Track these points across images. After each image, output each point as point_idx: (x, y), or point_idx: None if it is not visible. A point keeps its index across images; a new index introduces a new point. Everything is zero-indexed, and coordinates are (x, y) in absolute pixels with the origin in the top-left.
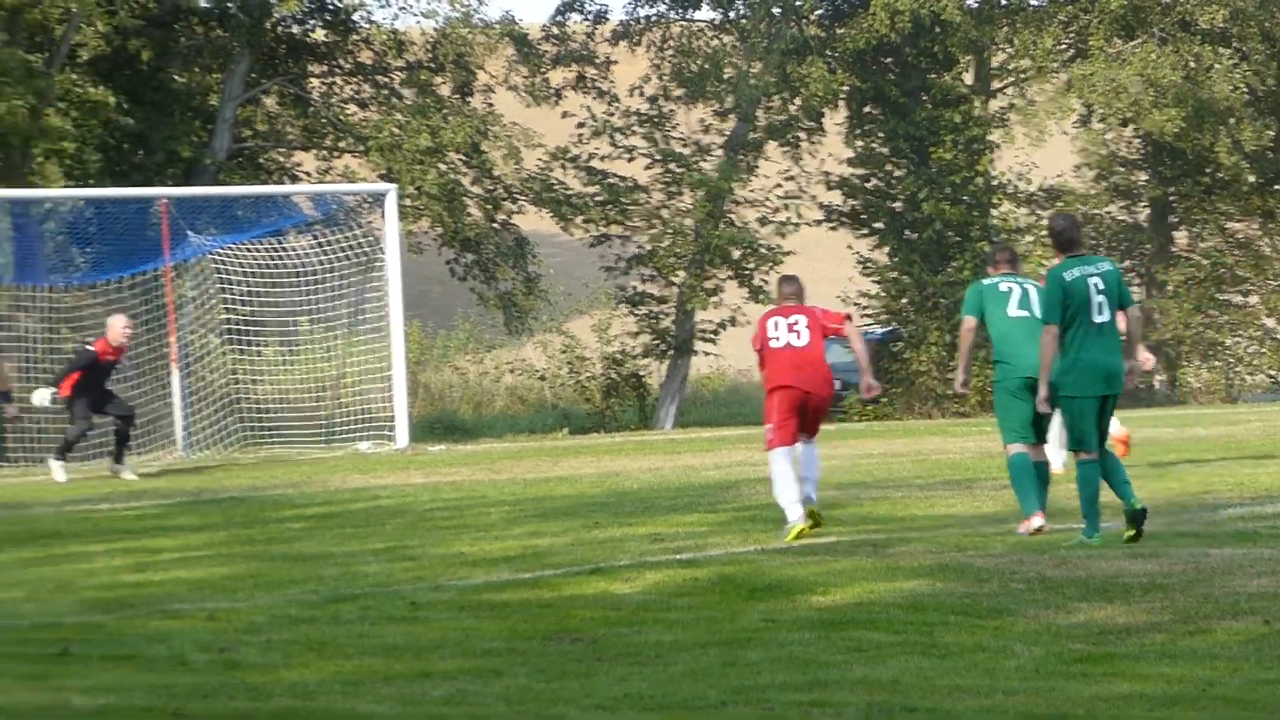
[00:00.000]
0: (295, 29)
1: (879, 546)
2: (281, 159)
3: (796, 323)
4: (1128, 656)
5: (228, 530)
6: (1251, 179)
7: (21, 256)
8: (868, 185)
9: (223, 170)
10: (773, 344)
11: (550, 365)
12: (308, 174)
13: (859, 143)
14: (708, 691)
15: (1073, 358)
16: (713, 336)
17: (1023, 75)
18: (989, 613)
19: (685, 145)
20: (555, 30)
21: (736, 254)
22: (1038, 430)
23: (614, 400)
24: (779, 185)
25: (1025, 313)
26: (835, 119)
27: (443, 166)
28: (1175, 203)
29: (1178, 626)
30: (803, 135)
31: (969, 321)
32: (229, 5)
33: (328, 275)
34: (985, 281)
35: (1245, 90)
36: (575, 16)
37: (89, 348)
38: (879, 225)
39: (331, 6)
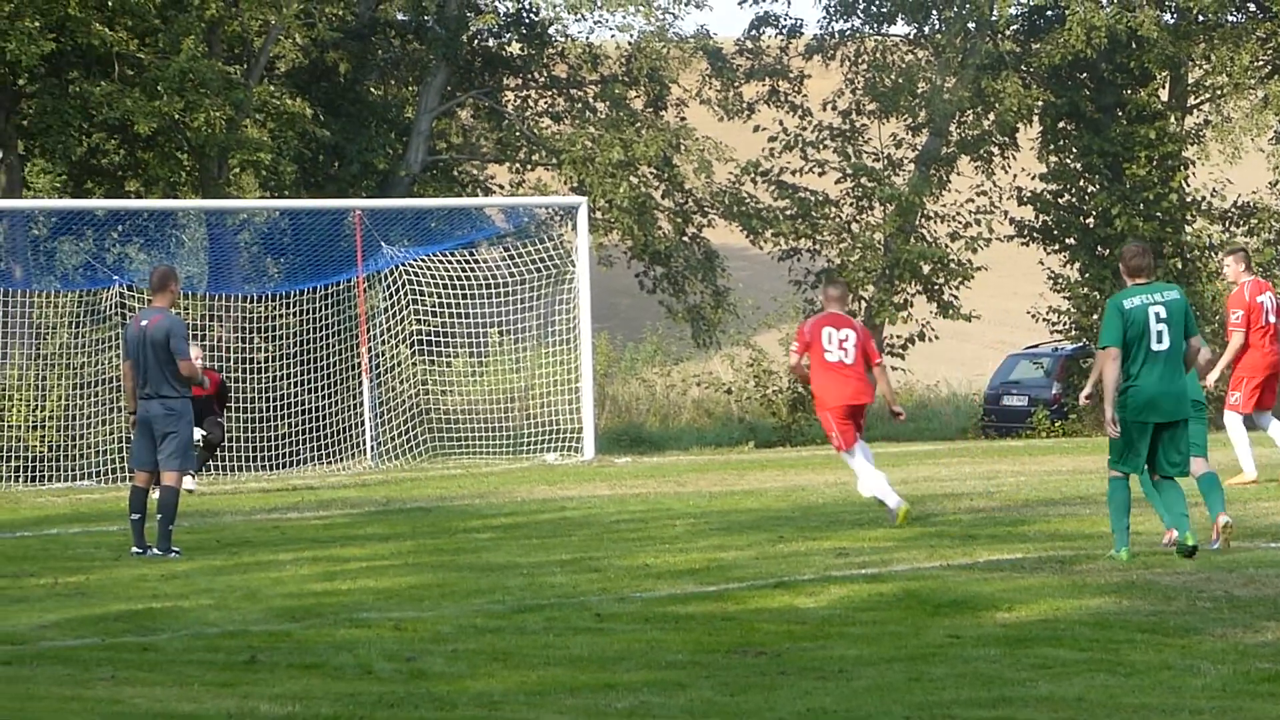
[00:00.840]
0: (491, 42)
1: (1065, 563)
2: (475, 171)
3: (846, 339)
4: None
5: (415, 540)
6: None
7: (216, 266)
8: (1060, 201)
9: (417, 182)
10: (827, 356)
11: (737, 379)
12: (500, 186)
13: (1052, 158)
14: (891, 707)
15: (1128, 384)
16: (901, 351)
17: (1219, 91)
18: (1176, 631)
19: (877, 159)
20: (749, 44)
21: (926, 269)
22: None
23: (800, 414)
24: (971, 200)
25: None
26: (1029, 134)
27: (634, 180)
28: None
29: None
30: (996, 150)
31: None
32: (426, 19)
33: (518, 287)
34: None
35: None
36: (769, 31)
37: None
38: (1071, 241)
39: (528, 20)
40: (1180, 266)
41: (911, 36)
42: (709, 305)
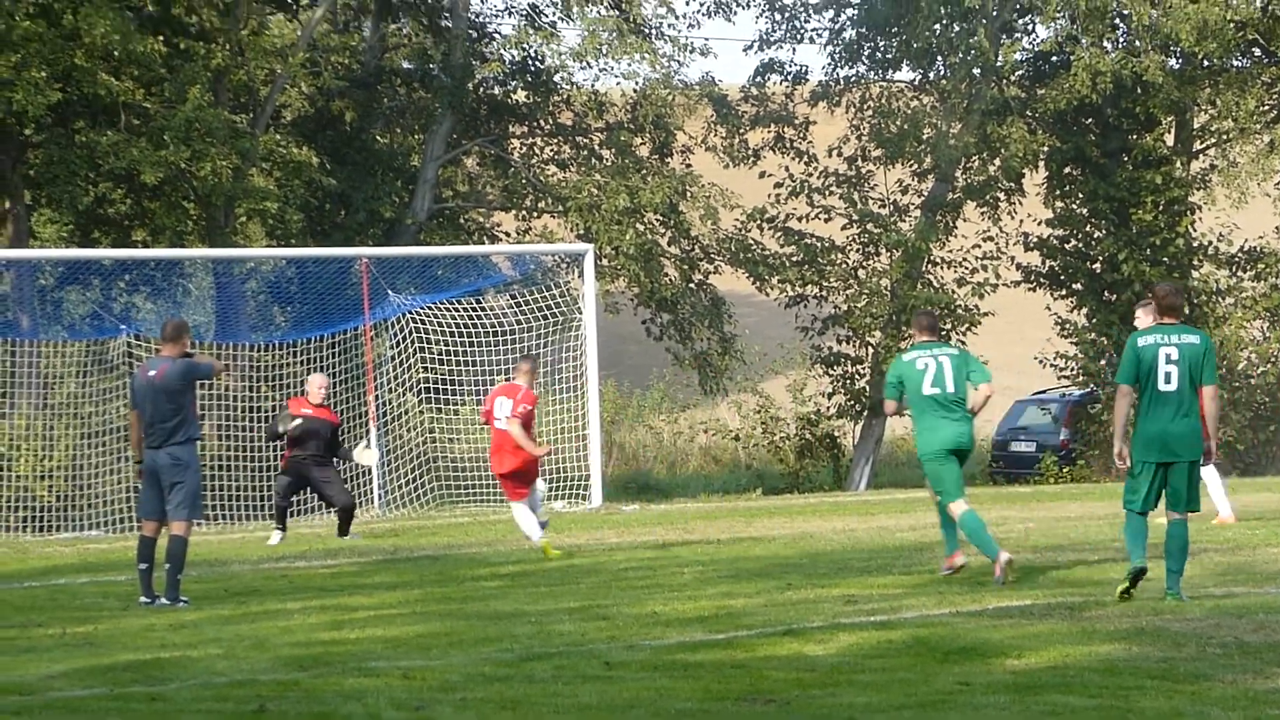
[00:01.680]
0: (497, 90)
1: (1075, 610)
2: (481, 219)
3: (503, 407)
4: None
5: (423, 588)
6: None
7: (223, 315)
8: (1067, 246)
9: (423, 230)
10: (496, 424)
11: (744, 425)
12: (507, 234)
13: (1058, 203)
14: None
15: (1137, 423)
16: None
17: (1225, 136)
18: (1186, 678)
19: (883, 205)
20: (754, 91)
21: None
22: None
23: (808, 461)
24: (977, 245)
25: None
26: (1035, 179)
27: (640, 227)
28: None
29: None
30: (1002, 196)
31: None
32: (432, 67)
33: (525, 334)
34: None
35: None
36: (774, 77)
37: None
38: (1078, 286)
39: (533, 68)
40: (1187, 312)
41: (916, 82)
42: (716, 352)
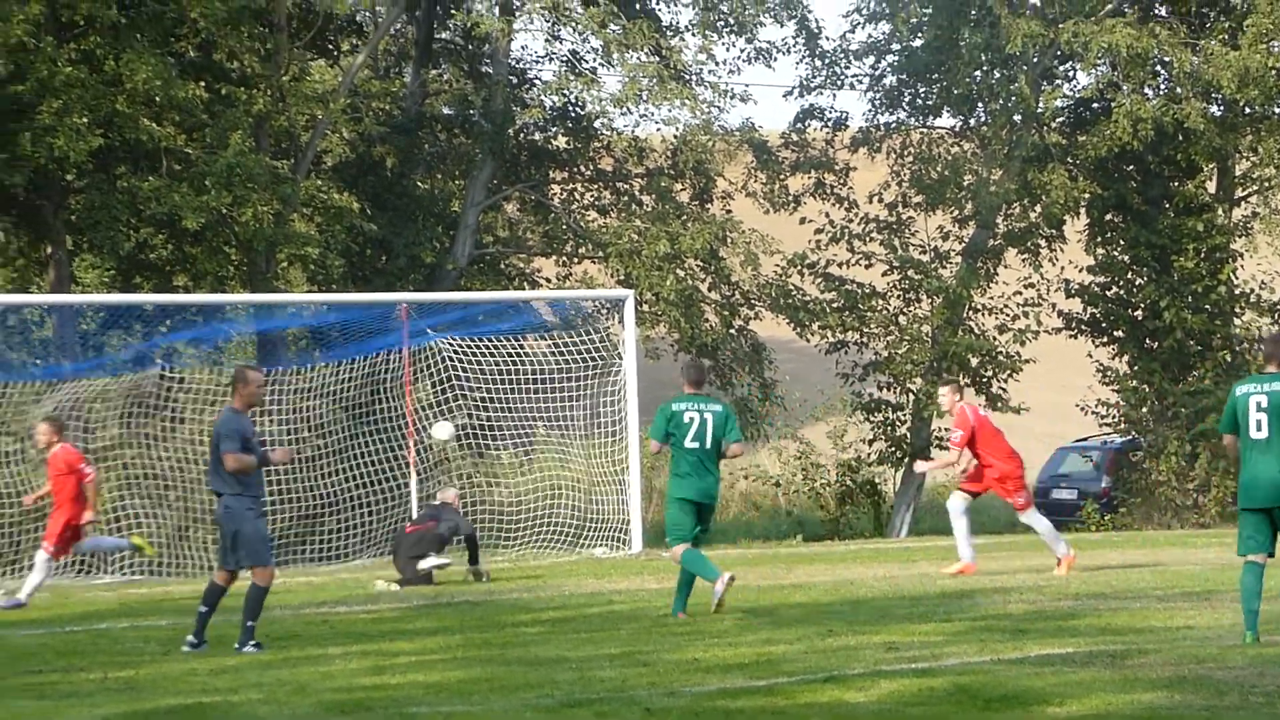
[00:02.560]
0: (538, 136)
1: (1116, 658)
2: (522, 264)
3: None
4: None
5: (464, 634)
6: None
7: (264, 359)
8: (1108, 293)
9: (464, 275)
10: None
11: (785, 471)
12: (547, 279)
13: (1100, 250)
14: None
15: (1240, 471)
16: (949, 444)
17: (1267, 184)
18: None
19: (924, 252)
20: (794, 137)
21: (974, 361)
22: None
23: (848, 507)
24: (1018, 292)
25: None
26: (1076, 226)
27: (681, 272)
28: None
29: None
30: (1043, 242)
31: None
32: (472, 113)
33: (565, 380)
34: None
35: None
36: (815, 123)
37: None
38: (1119, 333)
39: (574, 114)
40: (1229, 359)
41: (957, 129)
42: (756, 398)
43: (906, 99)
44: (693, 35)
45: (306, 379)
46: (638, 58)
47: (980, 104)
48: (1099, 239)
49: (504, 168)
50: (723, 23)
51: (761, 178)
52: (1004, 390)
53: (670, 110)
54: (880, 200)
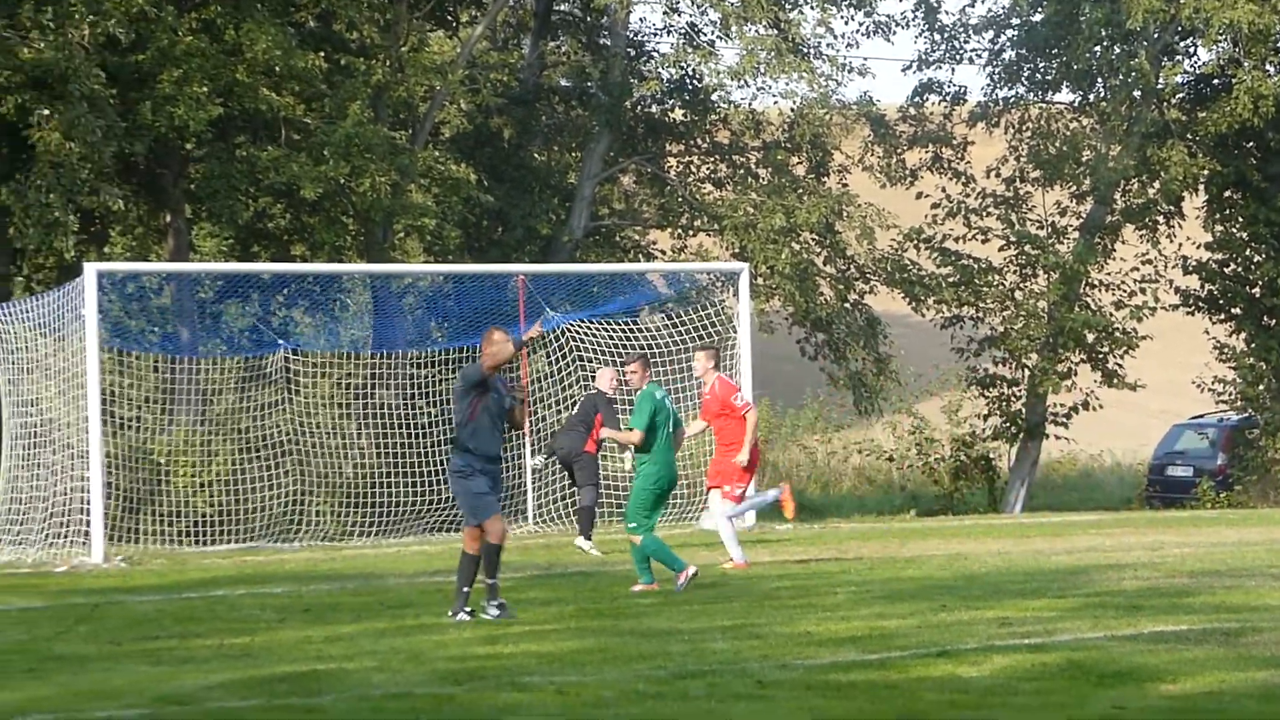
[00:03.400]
0: (654, 108)
1: (1231, 635)
2: (637, 237)
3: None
4: None
5: (577, 604)
6: None
7: (381, 330)
8: (1226, 270)
9: (579, 247)
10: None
11: (899, 446)
12: (662, 252)
13: (1218, 227)
14: None
15: None
16: (1065, 420)
17: None
18: None
19: (1041, 227)
20: (912, 111)
21: (1091, 337)
22: None
23: (963, 483)
24: (1135, 269)
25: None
26: (1194, 203)
27: (796, 246)
28: None
29: None
30: (1161, 219)
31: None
32: (590, 85)
33: (679, 353)
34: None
35: None
36: (933, 98)
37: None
38: (1237, 311)
39: (691, 87)
40: None
41: (1076, 104)
42: (871, 372)
43: (1025, 74)
44: (811, 8)
45: (421, 348)
46: (756, 30)
47: (1100, 79)
48: (1217, 216)
49: (620, 140)
50: None
51: (878, 151)
52: (1120, 367)
53: (788, 83)
54: (997, 175)
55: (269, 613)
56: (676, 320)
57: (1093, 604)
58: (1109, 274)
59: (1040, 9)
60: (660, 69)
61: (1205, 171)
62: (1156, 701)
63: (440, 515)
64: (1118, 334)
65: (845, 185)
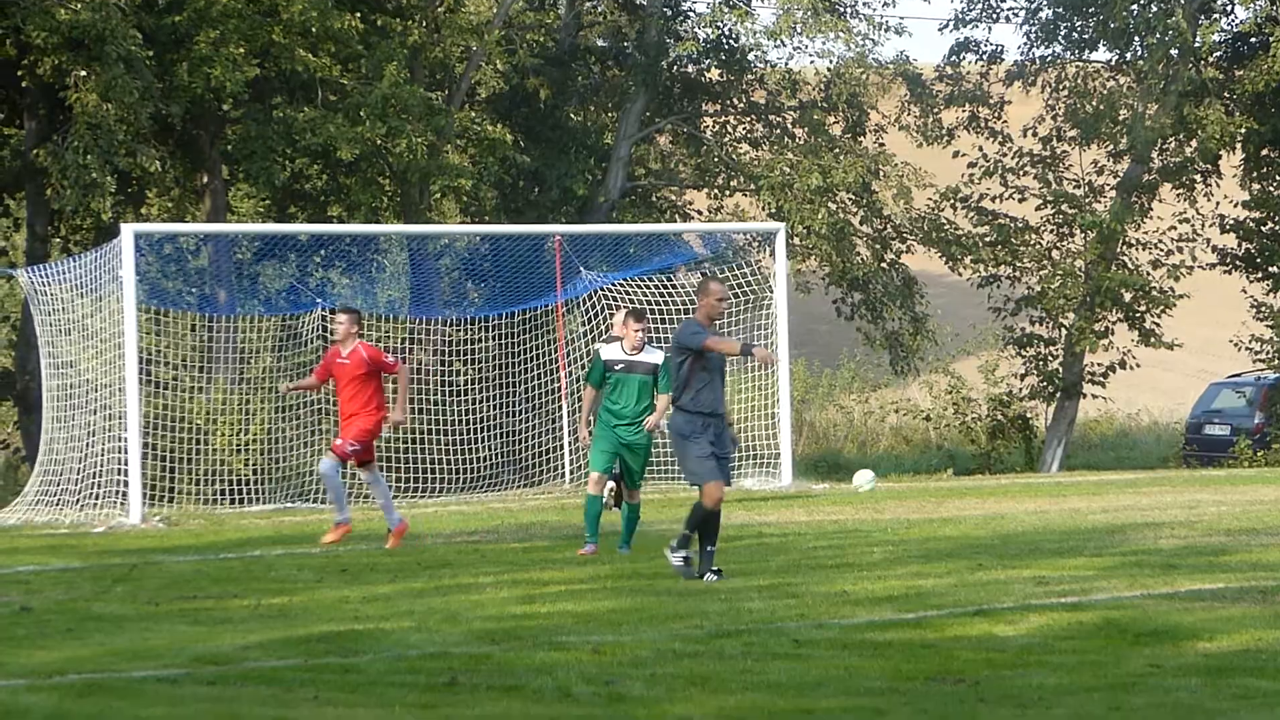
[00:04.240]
0: (691, 69)
1: (1268, 593)
2: (673, 197)
3: None
4: None
5: (613, 564)
6: None
7: (418, 290)
8: (1263, 229)
9: (615, 208)
10: None
11: (935, 406)
12: (699, 212)
13: (1255, 186)
14: None
15: None
16: (1102, 379)
17: None
18: None
19: (1078, 186)
20: (949, 70)
21: (1128, 296)
22: None
23: (999, 442)
24: (1173, 227)
25: None
26: (1231, 161)
27: (832, 206)
28: None
29: None
30: (1198, 177)
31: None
32: (626, 45)
33: None
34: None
35: None
36: (969, 57)
37: None
38: (1274, 269)
39: (727, 46)
40: None
41: (1113, 63)
42: (907, 332)
43: (1062, 32)
44: None
45: (458, 309)
46: None
47: (1137, 38)
48: (1255, 174)
49: (657, 100)
50: None
51: (915, 111)
52: (1157, 325)
53: (824, 43)
54: (1034, 134)
55: (306, 573)
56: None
57: (1129, 563)
58: (1146, 233)
59: None
60: (697, 29)
61: (1242, 130)
62: (1193, 660)
63: (476, 476)
64: (1155, 293)
65: (882, 145)
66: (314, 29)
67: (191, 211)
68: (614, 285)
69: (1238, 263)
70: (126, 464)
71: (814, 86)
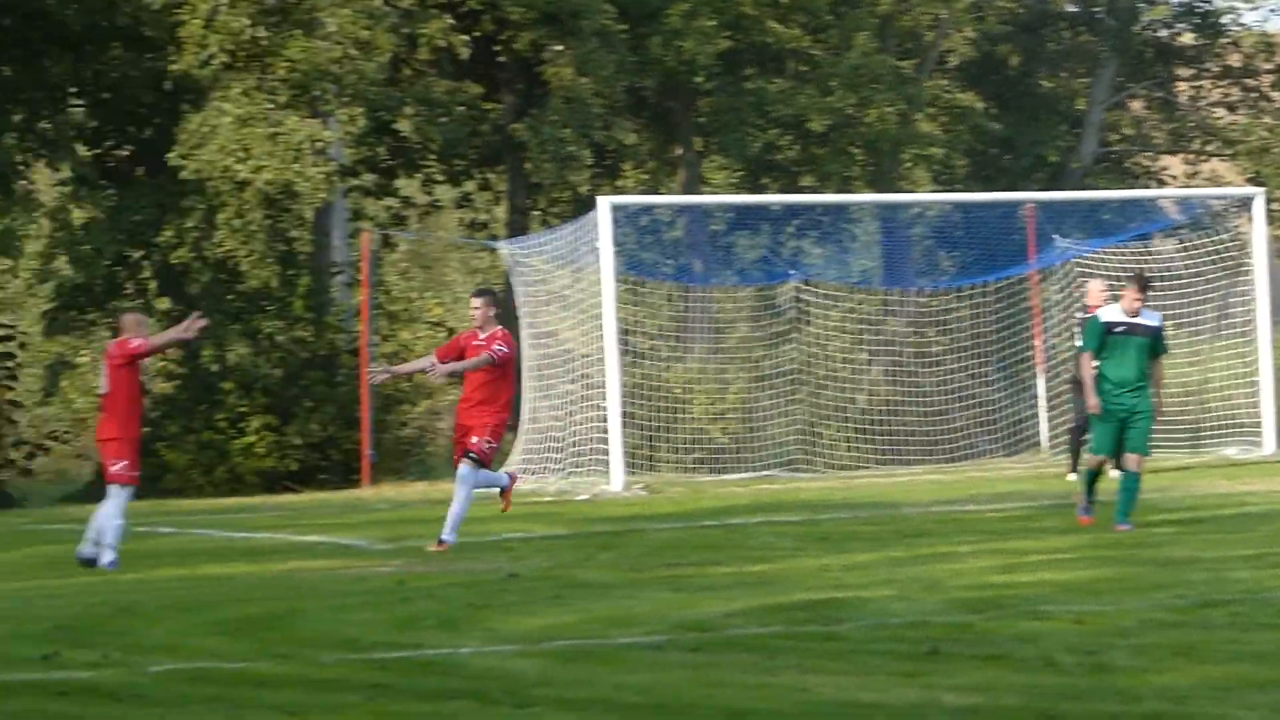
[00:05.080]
0: (1163, 33)
1: None
2: (1147, 163)
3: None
4: None
5: (1093, 533)
6: None
7: (890, 260)
8: None
9: (1088, 174)
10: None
11: None
12: (1173, 177)
13: None
14: None
15: None
16: None
17: None
18: None
19: None
20: None
21: None
22: None
23: None
24: None
25: None
26: None
27: None
28: None
29: None
30: None
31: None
32: (1097, 10)
33: (1193, 279)
34: None
35: None
36: None
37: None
38: None
39: (1200, 10)
40: None
41: None
42: None
43: None
44: None
45: (931, 279)
46: None
47: None
48: None
49: (1129, 65)
50: None
51: None
52: None
53: None
54: None
55: (785, 540)
56: (1189, 246)
57: None
58: None
59: None
60: None
61: None
62: None
63: (953, 445)
64: None
65: None
66: (783, 0)
67: (665, 183)
68: (1089, 254)
69: None
70: (608, 433)
71: None
